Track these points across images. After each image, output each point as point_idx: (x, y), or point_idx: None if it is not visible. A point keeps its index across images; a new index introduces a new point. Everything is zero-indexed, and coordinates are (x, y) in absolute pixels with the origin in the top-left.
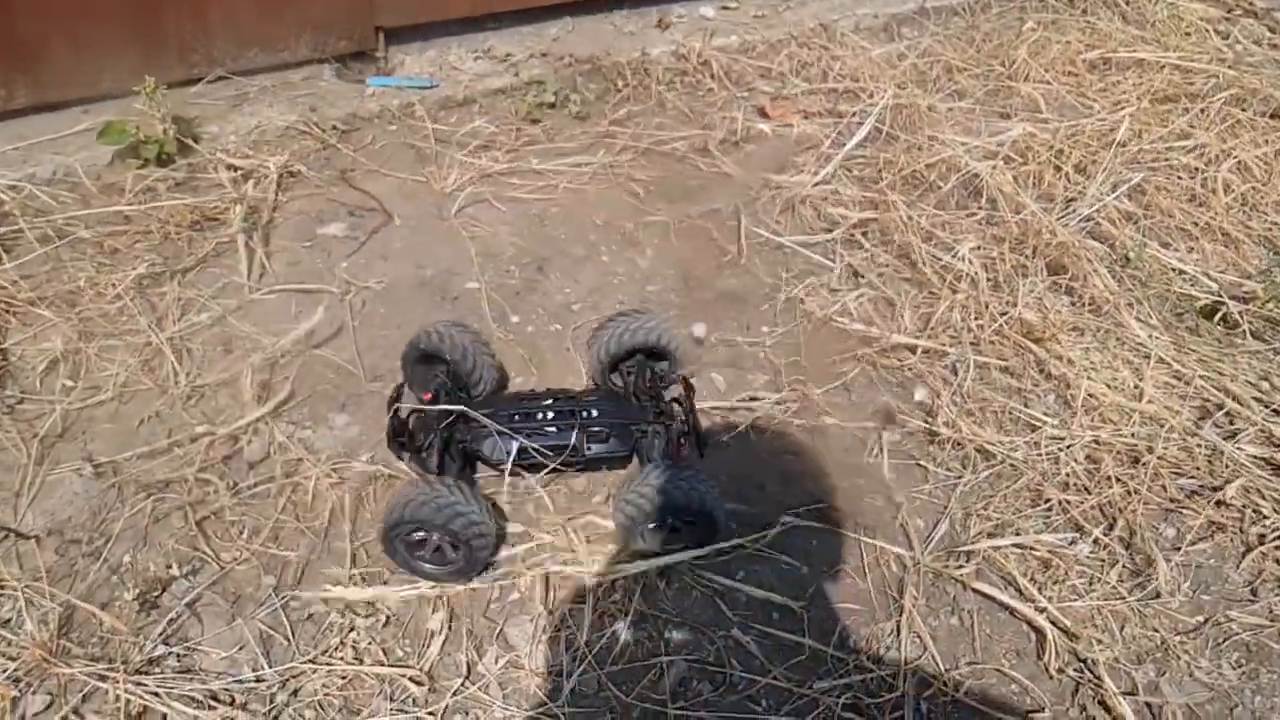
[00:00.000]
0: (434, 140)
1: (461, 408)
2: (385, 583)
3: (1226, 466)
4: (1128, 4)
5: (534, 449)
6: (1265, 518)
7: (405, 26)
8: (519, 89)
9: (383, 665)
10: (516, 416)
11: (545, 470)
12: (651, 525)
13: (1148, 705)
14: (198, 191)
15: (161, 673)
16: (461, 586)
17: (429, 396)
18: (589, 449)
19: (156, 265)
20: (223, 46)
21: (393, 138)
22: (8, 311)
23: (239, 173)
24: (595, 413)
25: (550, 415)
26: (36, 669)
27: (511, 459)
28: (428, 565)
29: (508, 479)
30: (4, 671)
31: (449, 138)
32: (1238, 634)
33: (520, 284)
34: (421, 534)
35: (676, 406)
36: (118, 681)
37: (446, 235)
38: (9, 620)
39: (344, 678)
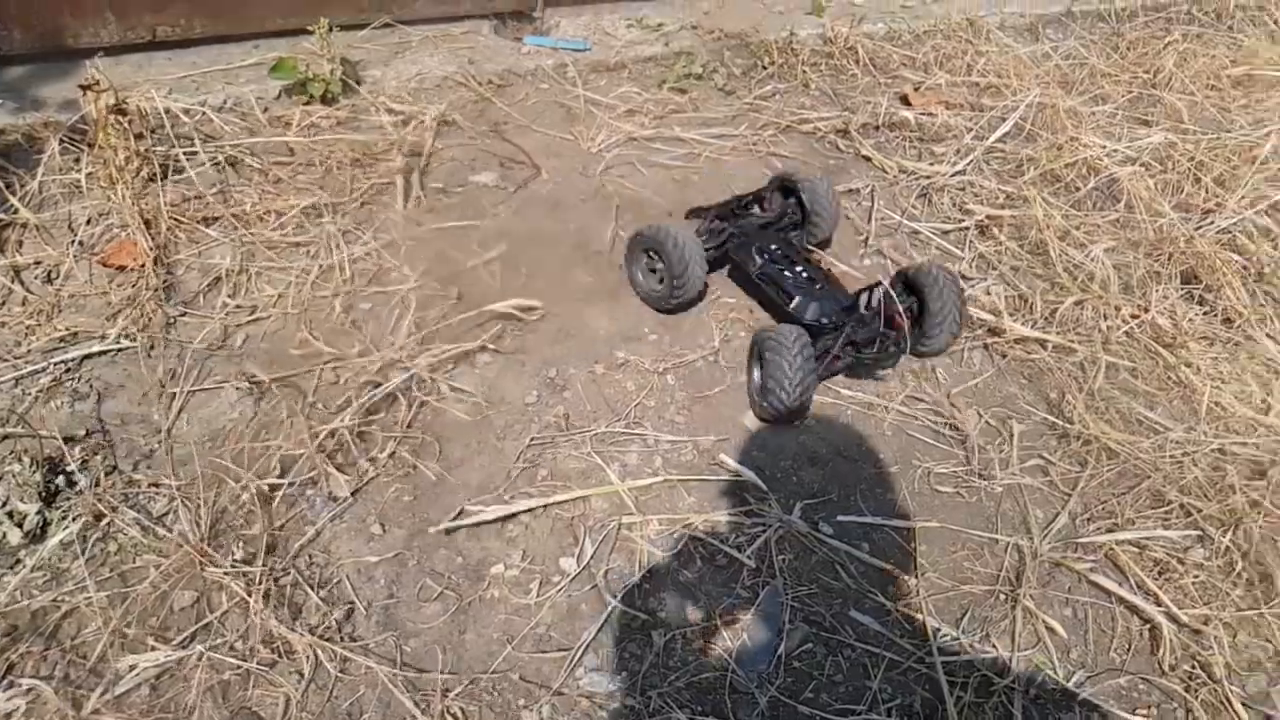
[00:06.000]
0: (583, 101)
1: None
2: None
3: None
4: (1276, 24)
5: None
6: None
7: None
8: (668, 59)
9: None
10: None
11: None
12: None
13: (1258, 711)
14: (359, 131)
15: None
16: None
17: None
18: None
19: (319, 197)
20: None
21: (544, 95)
22: (178, 228)
23: (399, 117)
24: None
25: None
26: (187, 567)
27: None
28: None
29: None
30: (157, 567)
31: (598, 100)
32: None
33: None
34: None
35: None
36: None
37: (590, 192)
38: (164, 515)
39: None
